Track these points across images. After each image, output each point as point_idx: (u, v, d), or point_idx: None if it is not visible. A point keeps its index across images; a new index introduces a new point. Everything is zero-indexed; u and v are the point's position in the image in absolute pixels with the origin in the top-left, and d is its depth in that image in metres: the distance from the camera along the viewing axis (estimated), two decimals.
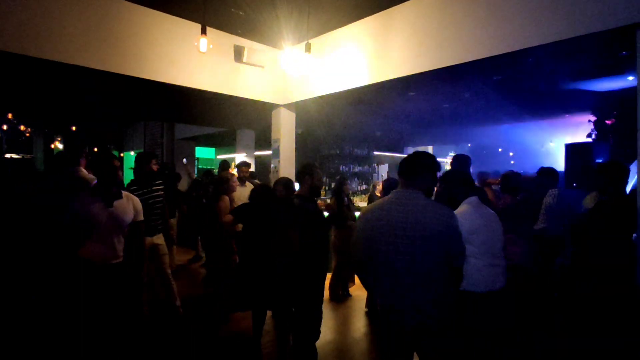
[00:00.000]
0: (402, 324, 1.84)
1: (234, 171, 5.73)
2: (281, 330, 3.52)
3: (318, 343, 3.32)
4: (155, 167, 3.91)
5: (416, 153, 2.00)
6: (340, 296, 4.96)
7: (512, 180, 3.50)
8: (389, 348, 1.94)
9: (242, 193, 4.81)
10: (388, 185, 4.05)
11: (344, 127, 9.23)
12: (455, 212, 2.23)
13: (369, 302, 4.47)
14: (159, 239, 3.90)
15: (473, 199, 2.46)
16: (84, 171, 3.66)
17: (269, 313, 3.95)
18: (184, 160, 9.08)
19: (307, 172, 3.17)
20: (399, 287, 1.83)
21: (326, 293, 4.84)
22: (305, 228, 3.03)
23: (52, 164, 3.69)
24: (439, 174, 2.33)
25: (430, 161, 1.97)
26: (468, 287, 2.25)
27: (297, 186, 3.44)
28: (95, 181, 3.09)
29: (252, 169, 9.15)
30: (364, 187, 10.01)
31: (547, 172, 3.86)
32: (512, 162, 14.38)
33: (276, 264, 3.18)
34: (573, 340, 2.89)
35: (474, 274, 2.25)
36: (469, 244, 2.20)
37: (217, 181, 4.27)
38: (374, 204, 2.01)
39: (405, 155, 2.07)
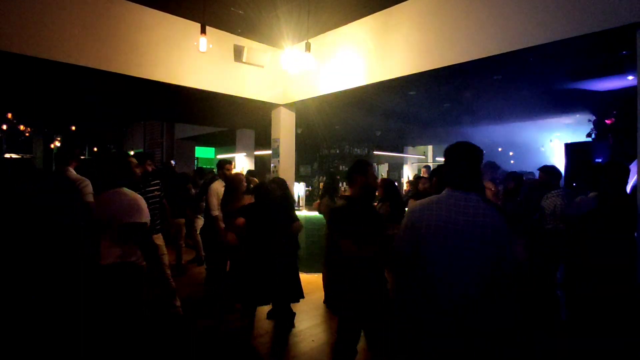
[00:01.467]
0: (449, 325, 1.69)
1: (234, 170, 5.70)
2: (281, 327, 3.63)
3: (315, 344, 3.40)
4: (150, 168, 3.96)
5: (461, 147, 1.79)
6: None
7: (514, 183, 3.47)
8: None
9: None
10: (387, 185, 4.04)
11: (344, 126, 9.23)
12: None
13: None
14: (158, 239, 3.89)
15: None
16: (72, 172, 3.61)
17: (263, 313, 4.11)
18: (172, 162, 9.09)
19: (358, 171, 2.71)
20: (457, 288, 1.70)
21: (320, 295, 4.85)
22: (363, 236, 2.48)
23: (52, 163, 3.69)
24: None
25: (479, 157, 1.77)
26: None
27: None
28: (83, 182, 3.10)
29: (252, 168, 9.18)
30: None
31: (551, 171, 3.83)
32: (511, 161, 14.37)
33: (276, 263, 3.23)
34: (573, 340, 2.89)
35: None
36: None
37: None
38: (429, 201, 1.83)
39: (449, 147, 1.83)
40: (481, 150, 1.78)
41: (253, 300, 3.39)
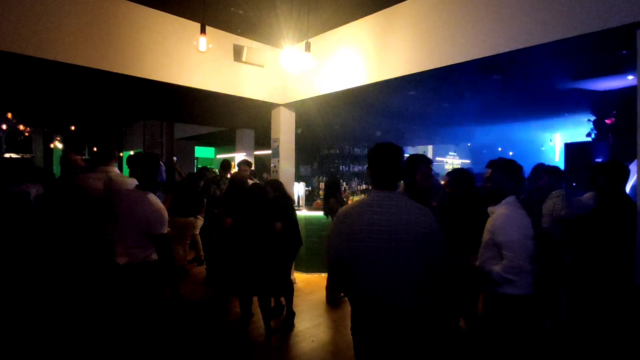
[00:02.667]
0: (381, 303, 1.68)
1: (235, 169, 5.69)
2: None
3: (315, 344, 3.40)
4: None
5: (379, 148, 1.78)
6: (341, 297, 4.85)
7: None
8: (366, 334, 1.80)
9: None
10: None
11: (344, 126, 9.23)
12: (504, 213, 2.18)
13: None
14: None
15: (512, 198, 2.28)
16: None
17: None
18: (174, 158, 9.04)
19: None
20: (381, 283, 1.68)
21: (320, 295, 4.85)
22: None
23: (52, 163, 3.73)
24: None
25: (398, 156, 1.77)
26: (517, 291, 2.15)
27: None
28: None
29: (252, 168, 9.18)
30: (364, 186, 10.01)
31: (554, 172, 3.81)
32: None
33: (247, 257, 3.56)
34: (573, 339, 2.89)
35: (527, 278, 2.16)
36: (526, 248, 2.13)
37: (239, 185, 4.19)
38: (352, 205, 1.83)
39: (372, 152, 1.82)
40: (399, 148, 1.78)
41: (230, 289, 3.73)
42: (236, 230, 3.70)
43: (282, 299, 4.17)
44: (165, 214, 2.56)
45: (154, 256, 2.55)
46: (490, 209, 2.33)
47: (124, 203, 2.54)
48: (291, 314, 4.02)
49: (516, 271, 2.09)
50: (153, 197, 2.54)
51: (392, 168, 1.74)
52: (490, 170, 2.35)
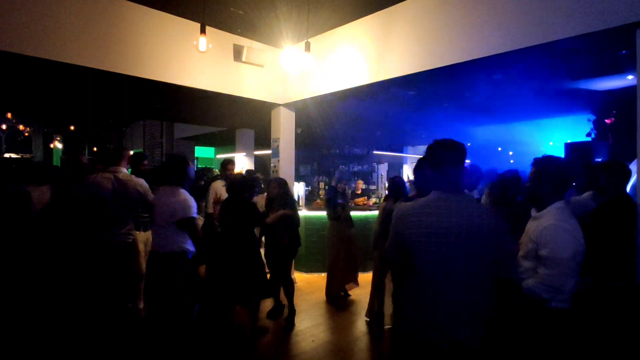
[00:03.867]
0: (439, 341, 1.57)
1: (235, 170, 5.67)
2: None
3: (315, 344, 3.45)
4: (145, 168, 4.08)
5: (451, 144, 1.67)
6: (341, 297, 4.85)
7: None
8: None
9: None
10: (394, 186, 3.81)
11: (343, 126, 9.22)
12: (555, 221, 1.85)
13: (371, 311, 4.03)
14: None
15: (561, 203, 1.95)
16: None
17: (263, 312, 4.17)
18: None
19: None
20: (442, 295, 1.59)
21: (320, 295, 4.85)
22: None
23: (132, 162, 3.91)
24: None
25: (461, 154, 1.65)
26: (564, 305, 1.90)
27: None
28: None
29: (252, 167, 9.17)
30: (364, 186, 10.01)
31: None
32: (511, 161, 14.38)
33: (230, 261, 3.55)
34: (573, 339, 2.88)
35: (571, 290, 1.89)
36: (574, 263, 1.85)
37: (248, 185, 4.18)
38: (414, 204, 1.71)
39: (429, 149, 1.72)
40: (463, 146, 1.67)
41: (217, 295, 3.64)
42: (223, 233, 3.67)
43: (282, 298, 4.18)
44: (193, 202, 2.85)
45: (188, 245, 2.84)
46: (535, 215, 2.02)
47: (160, 198, 2.87)
48: (292, 313, 4.03)
49: (553, 290, 1.83)
50: (182, 190, 2.86)
51: (459, 169, 1.64)
52: (533, 169, 2.06)
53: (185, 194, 2.84)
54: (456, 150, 1.65)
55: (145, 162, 4.13)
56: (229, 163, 5.15)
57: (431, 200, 1.65)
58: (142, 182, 3.25)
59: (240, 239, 3.51)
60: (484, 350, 1.58)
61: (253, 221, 3.61)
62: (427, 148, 1.75)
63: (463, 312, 1.58)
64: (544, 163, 2.01)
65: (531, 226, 1.99)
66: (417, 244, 1.60)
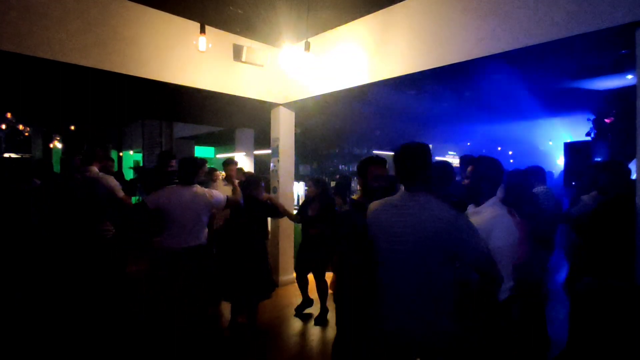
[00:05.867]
0: (408, 342, 1.66)
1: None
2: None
3: (314, 343, 3.43)
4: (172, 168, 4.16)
5: (405, 148, 1.83)
6: None
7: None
8: None
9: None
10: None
11: (344, 126, 9.23)
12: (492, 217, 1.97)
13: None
14: None
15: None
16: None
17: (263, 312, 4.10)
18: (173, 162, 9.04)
19: (360, 170, 2.46)
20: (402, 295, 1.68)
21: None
22: None
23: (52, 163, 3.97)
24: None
25: (423, 153, 1.79)
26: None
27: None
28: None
29: (252, 167, 9.17)
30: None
31: (535, 172, 3.80)
32: (511, 160, 14.40)
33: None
34: (574, 339, 2.89)
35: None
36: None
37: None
38: (381, 202, 1.86)
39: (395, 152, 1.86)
40: (425, 147, 1.81)
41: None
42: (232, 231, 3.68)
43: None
44: (219, 194, 3.28)
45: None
46: (474, 210, 2.14)
47: (182, 198, 3.05)
48: (325, 311, 4.11)
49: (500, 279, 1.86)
50: (199, 187, 3.17)
51: (415, 167, 1.78)
52: (472, 168, 2.20)
53: (202, 189, 3.18)
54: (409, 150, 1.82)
55: (173, 161, 4.11)
56: (230, 163, 5.16)
57: (391, 198, 1.83)
58: (109, 180, 3.50)
59: (249, 237, 3.55)
60: (444, 351, 1.63)
61: (269, 215, 3.87)
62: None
63: (414, 308, 1.66)
64: (483, 163, 2.18)
65: (474, 221, 2.08)
66: (375, 241, 1.78)
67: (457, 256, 1.67)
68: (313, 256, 4.10)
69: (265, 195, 3.99)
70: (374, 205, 1.87)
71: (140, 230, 3.73)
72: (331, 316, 4.13)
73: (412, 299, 1.67)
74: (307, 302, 4.32)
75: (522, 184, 3.18)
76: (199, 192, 3.14)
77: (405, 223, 1.68)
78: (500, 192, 2.16)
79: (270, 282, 3.71)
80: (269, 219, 4.64)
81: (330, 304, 4.22)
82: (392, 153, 1.94)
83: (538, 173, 3.79)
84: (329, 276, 4.16)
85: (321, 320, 4.06)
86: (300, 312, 4.28)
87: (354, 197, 2.56)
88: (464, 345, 1.67)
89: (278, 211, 4.01)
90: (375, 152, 11.43)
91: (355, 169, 10.50)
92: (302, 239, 4.30)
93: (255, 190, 3.72)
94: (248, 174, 5.63)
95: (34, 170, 4.07)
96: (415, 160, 1.78)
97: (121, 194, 3.48)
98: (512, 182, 3.17)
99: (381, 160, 2.41)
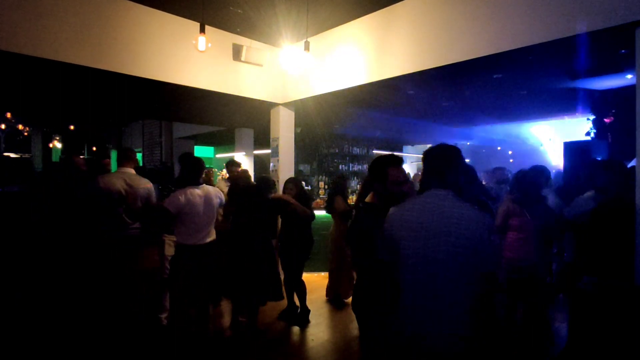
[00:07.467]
0: (430, 349, 1.60)
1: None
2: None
3: (315, 342, 3.46)
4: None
5: (437, 148, 1.82)
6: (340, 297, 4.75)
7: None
8: None
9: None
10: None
11: (343, 125, 9.22)
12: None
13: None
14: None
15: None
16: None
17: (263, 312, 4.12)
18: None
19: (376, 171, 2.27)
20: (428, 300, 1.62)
21: (320, 294, 4.85)
22: None
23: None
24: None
25: (455, 155, 1.77)
26: None
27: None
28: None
29: (251, 167, 9.17)
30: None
31: (540, 172, 3.80)
32: (510, 160, 14.40)
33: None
34: (573, 339, 2.89)
35: None
36: None
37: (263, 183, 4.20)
38: (405, 203, 1.79)
39: (428, 148, 1.85)
40: (455, 149, 1.79)
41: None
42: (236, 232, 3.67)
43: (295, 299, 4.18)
44: (222, 193, 3.40)
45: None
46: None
47: (197, 199, 3.10)
48: (306, 311, 4.08)
49: None
50: (207, 186, 3.26)
51: (444, 168, 1.75)
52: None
53: (207, 186, 3.29)
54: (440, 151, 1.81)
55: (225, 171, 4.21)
56: (233, 164, 5.17)
57: (418, 198, 1.77)
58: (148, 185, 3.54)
59: (249, 237, 3.55)
60: (461, 355, 1.58)
61: (278, 213, 3.95)
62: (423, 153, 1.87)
63: (436, 312, 1.60)
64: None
65: None
66: (400, 241, 1.70)
67: (480, 255, 1.61)
68: (291, 256, 4.03)
69: (282, 195, 4.02)
70: (395, 207, 1.80)
71: (154, 228, 3.72)
72: (312, 316, 4.13)
73: (436, 303, 1.61)
74: (292, 308, 4.18)
75: (535, 183, 3.23)
76: (211, 191, 3.25)
77: (437, 223, 1.62)
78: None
79: (273, 287, 3.63)
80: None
81: (311, 305, 4.23)
82: (391, 153, 1.92)
83: (542, 173, 3.80)
84: (307, 277, 4.14)
85: (301, 320, 4.01)
86: (284, 317, 4.15)
87: (367, 199, 2.31)
88: (480, 349, 1.63)
89: (286, 210, 3.88)
90: (374, 151, 11.42)
91: (355, 169, 10.44)
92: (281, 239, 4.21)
93: (267, 191, 3.83)
94: (241, 174, 5.62)
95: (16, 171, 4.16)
96: (447, 161, 1.76)
97: (154, 200, 3.55)
98: (524, 182, 3.21)
99: (400, 160, 2.22)
